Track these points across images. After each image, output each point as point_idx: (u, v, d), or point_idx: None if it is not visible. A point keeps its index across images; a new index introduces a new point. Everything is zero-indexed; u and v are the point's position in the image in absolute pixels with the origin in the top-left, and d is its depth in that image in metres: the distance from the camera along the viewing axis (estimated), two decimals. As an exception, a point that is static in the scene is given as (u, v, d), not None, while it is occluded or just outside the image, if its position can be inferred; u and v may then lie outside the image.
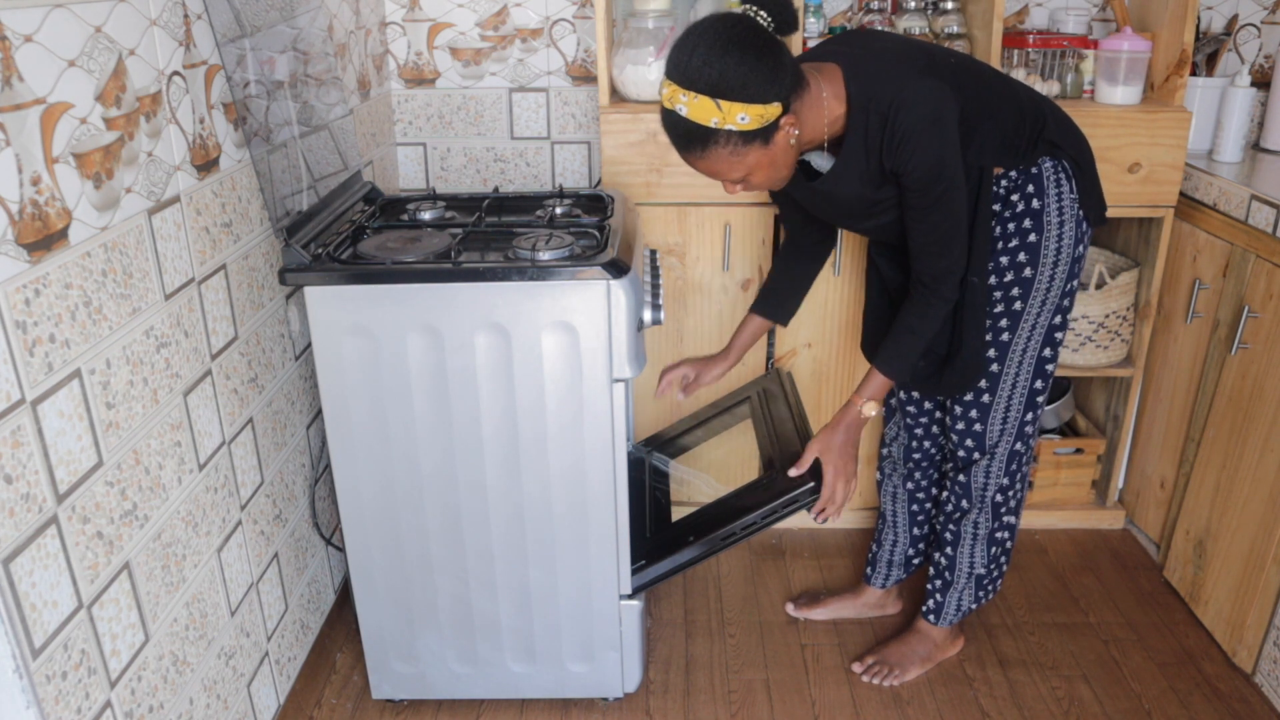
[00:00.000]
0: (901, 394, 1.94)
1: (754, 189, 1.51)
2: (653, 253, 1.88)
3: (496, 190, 1.98)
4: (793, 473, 1.68)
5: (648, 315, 1.64)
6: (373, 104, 2.35)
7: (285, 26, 1.72)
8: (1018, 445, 1.76)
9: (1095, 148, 1.68)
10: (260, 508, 1.70)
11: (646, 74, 2.10)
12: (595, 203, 1.91)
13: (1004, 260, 1.63)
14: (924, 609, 1.95)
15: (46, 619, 1.12)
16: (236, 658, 1.61)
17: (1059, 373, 2.23)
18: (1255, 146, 2.36)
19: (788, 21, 1.39)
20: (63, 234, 1.14)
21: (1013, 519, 1.85)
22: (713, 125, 1.36)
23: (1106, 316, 2.22)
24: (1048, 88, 2.20)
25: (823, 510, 1.66)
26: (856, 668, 1.96)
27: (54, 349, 1.13)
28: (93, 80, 1.19)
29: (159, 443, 1.36)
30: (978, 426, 1.75)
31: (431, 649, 1.80)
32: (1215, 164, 2.19)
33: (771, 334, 2.27)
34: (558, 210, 1.85)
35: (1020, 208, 1.60)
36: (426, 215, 1.83)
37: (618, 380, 1.58)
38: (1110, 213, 1.83)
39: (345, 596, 2.11)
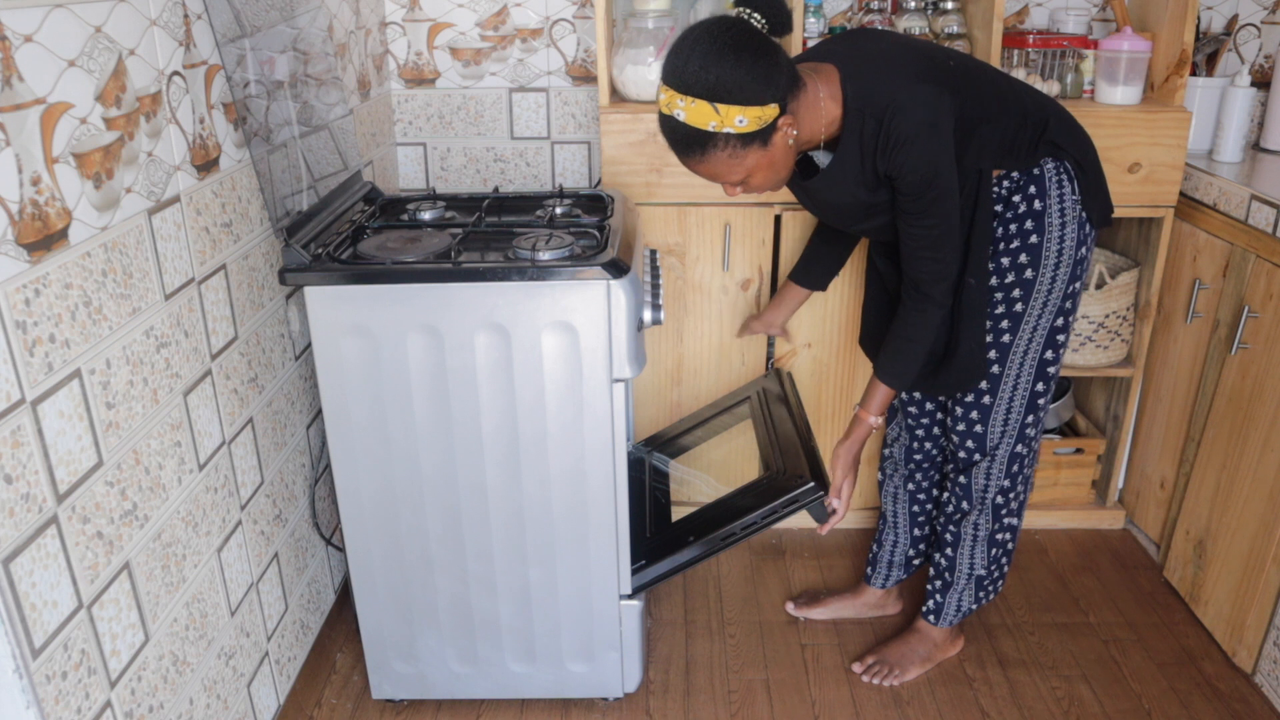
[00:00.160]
0: (904, 394, 1.94)
1: (754, 191, 1.51)
2: (653, 253, 1.88)
3: (496, 190, 1.98)
4: (832, 503, 1.70)
5: (648, 315, 1.64)
6: (373, 104, 2.35)
7: (285, 26, 1.72)
8: (1018, 447, 1.76)
9: (1095, 148, 1.68)
10: (260, 508, 1.70)
11: (646, 74, 2.10)
12: (595, 203, 1.91)
13: (1005, 261, 1.63)
14: (924, 609, 1.95)
15: (46, 619, 1.12)
16: (236, 658, 1.61)
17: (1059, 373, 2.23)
18: (1255, 146, 2.36)
19: (782, 23, 1.40)
20: (63, 234, 1.14)
21: (1014, 520, 1.85)
22: (711, 129, 1.36)
23: (1106, 316, 2.22)
24: (1048, 88, 2.20)
25: (829, 519, 1.72)
26: (856, 668, 1.96)
27: (54, 349, 1.13)
28: (93, 80, 1.19)
29: (159, 443, 1.37)
30: (978, 428, 1.75)
31: (431, 649, 1.80)
32: (1215, 164, 2.19)
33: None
34: (558, 210, 1.85)
35: (1022, 209, 1.60)
36: (426, 215, 1.83)
37: (618, 380, 1.58)
38: (1111, 213, 1.84)
39: (345, 596, 2.11)
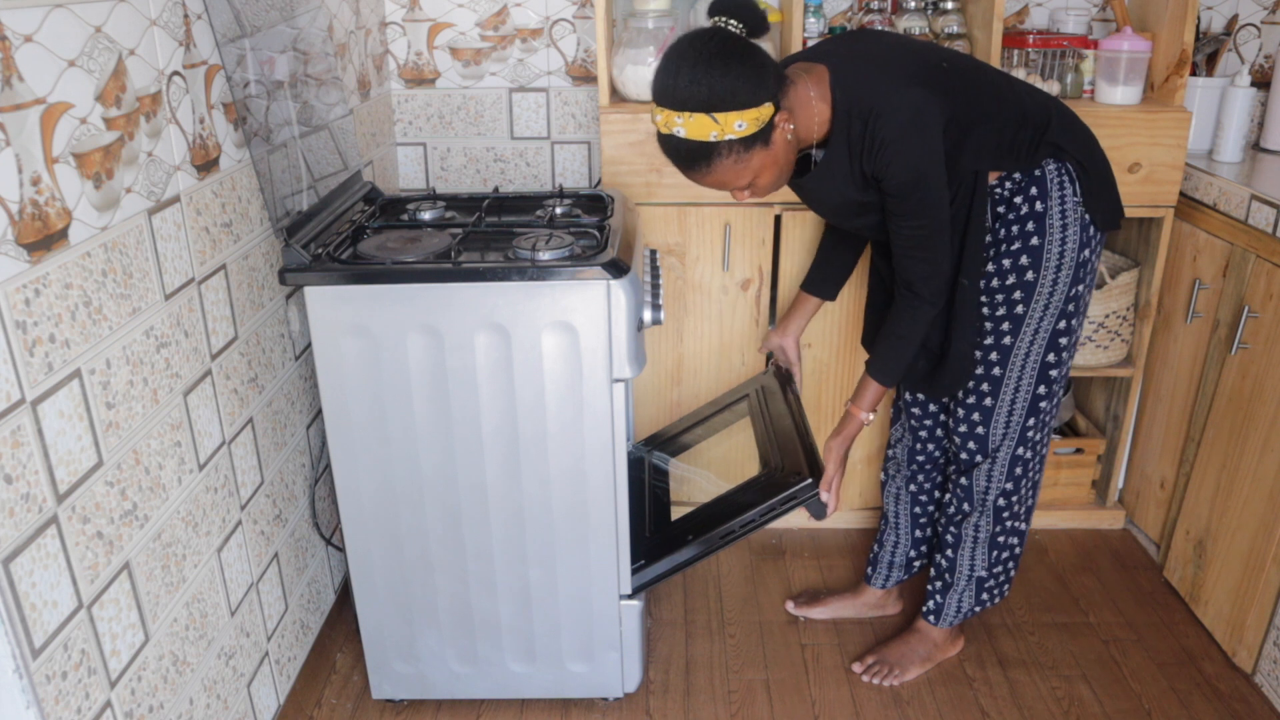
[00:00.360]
0: (907, 395, 1.94)
1: (760, 193, 1.52)
2: (653, 253, 1.88)
3: (496, 190, 1.98)
4: (825, 497, 1.69)
5: (648, 315, 1.64)
6: (373, 104, 2.35)
7: (285, 26, 1.72)
8: (1019, 450, 1.75)
9: (1102, 150, 1.66)
10: (260, 508, 1.70)
11: (646, 74, 2.10)
12: (595, 203, 1.91)
13: (1006, 263, 1.63)
14: (924, 609, 1.95)
15: (46, 619, 1.12)
16: (236, 658, 1.61)
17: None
18: (1255, 146, 2.36)
19: (759, 25, 1.42)
20: (63, 234, 1.14)
21: (1020, 525, 1.85)
22: (712, 139, 1.38)
23: (1106, 316, 2.22)
24: (1048, 88, 2.20)
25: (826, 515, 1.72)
26: (856, 668, 1.96)
27: (54, 349, 1.13)
28: (93, 80, 1.19)
29: (159, 443, 1.37)
30: (980, 429, 1.75)
31: (431, 649, 1.80)
32: (1215, 164, 2.19)
33: (773, 317, 2.26)
34: (558, 210, 1.85)
35: (1024, 210, 1.60)
36: (426, 215, 1.83)
37: (618, 380, 1.58)
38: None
39: (345, 596, 2.11)
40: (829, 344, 2.24)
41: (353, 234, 1.67)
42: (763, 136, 1.41)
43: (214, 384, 1.53)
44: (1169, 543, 2.22)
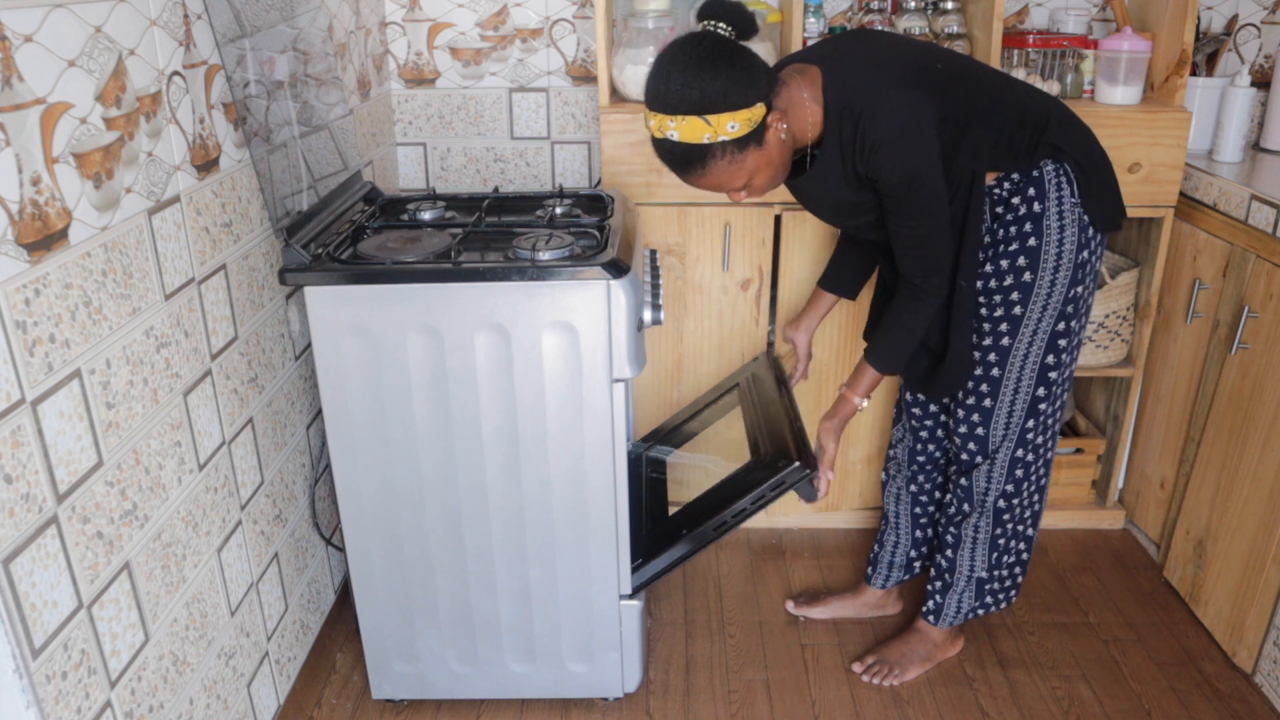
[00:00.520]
0: (908, 396, 1.94)
1: (757, 193, 1.52)
2: (653, 253, 1.88)
3: (496, 190, 1.98)
4: (818, 480, 1.69)
5: (648, 315, 1.65)
6: (373, 104, 2.35)
7: (285, 26, 1.72)
8: (1019, 452, 1.75)
9: (1103, 151, 1.66)
10: (260, 508, 1.70)
11: (646, 74, 2.09)
12: (595, 203, 1.91)
13: (1004, 264, 1.63)
14: (924, 609, 1.95)
15: (46, 619, 1.12)
16: (236, 658, 1.61)
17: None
18: (1255, 146, 2.36)
19: (748, 27, 1.43)
20: (63, 234, 1.14)
21: (1025, 529, 1.84)
22: (706, 141, 1.39)
23: (1106, 316, 2.22)
24: (1048, 88, 2.20)
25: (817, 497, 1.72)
26: (856, 668, 1.96)
27: (54, 349, 1.13)
28: (93, 80, 1.19)
29: (159, 443, 1.37)
30: (980, 430, 1.75)
31: (431, 649, 1.80)
32: (1215, 164, 2.19)
33: (772, 326, 2.27)
34: (558, 210, 1.85)
35: (1021, 211, 1.60)
36: (426, 215, 1.83)
37: (618, 380, 1.58)
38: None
39: (345, 596, 2.11)
40: (829, 344, 2.24)
41: (353, 234, 1.67)
42: (756, 137, 1.42)
43: (214, 384, 1.53)
44: (1169, 543, 2.22)
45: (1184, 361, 2.17)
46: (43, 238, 1.11)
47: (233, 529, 1.59)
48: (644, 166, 2.10)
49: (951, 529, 1.86)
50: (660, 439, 2.15)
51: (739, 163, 1.43)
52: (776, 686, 1.93)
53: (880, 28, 2.27)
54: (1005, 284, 1.64)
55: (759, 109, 1.40)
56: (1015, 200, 1.60)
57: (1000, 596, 1.91)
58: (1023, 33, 2.29)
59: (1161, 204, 2.14)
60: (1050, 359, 1.68)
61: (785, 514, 2.44)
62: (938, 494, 1.99)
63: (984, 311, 1.67)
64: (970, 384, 1.73)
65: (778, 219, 2.16)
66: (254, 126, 1.57)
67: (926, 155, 1.47)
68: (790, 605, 2.14)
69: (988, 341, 1.68)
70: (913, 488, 1.99)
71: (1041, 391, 1.71)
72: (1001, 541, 1.84)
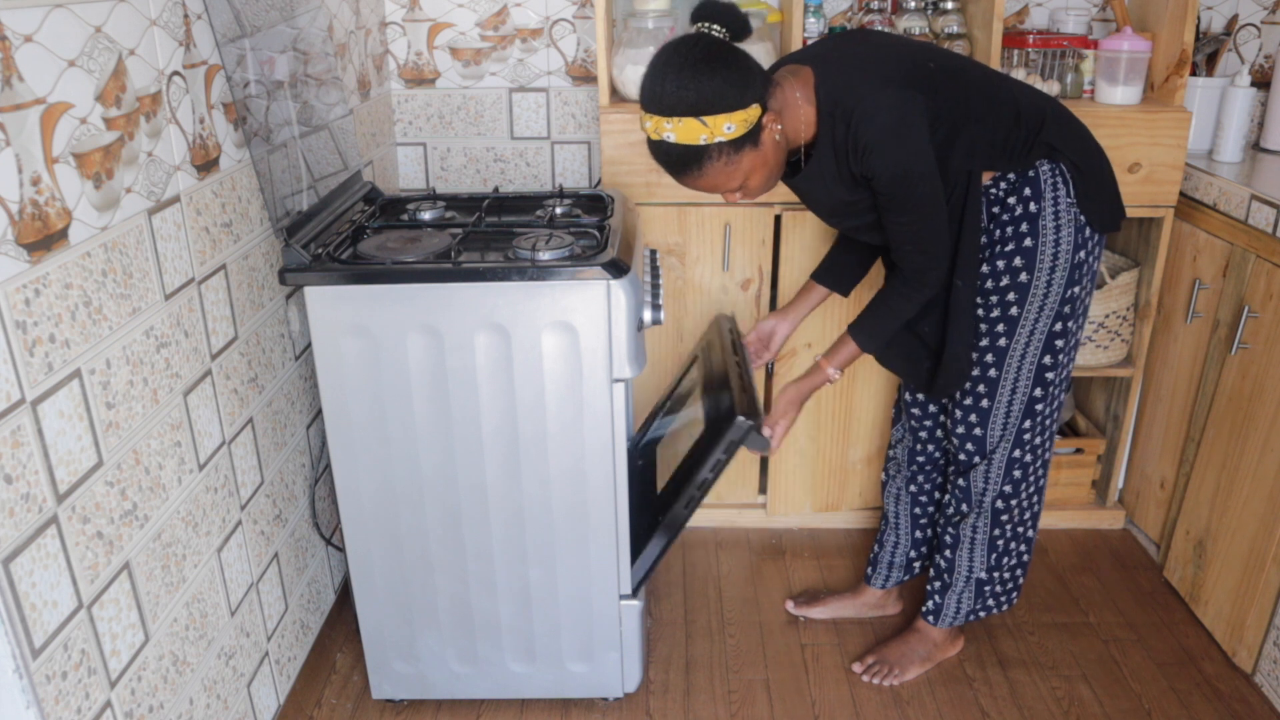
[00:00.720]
0: (907, 396, 1.94)
1: (752, 194, 1.52)
2: (653, 253, 1.88)
3: (496, 190, 1.98)
4: (766, 431, 1.68)
5: (648, 315, 1.65)
6: (373, 104, 2.35)
7: (285, 26, 1.72)
8: (1016, 452, 1.75)
9: (1102, 151, 1.66)
10: (260, 508, 1.70)
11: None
12: (595, 203, 1.91)
13: (1000, 264, 1.63)
14: (923, 609, 1.95)
15: (46, 619, 1.12)
16: (236, 658, 1.61)
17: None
18: (1255, 146, 2.36)
19: (741, 29, 1.43)
20: (63, 234, 1.14)
21: (1025, 530, 1.84)
22: (702, 142, 1.39)
23: (1106, 316, 2.22)
24: (1048, 88, 2.20)
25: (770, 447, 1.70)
26: (856, 668, 1.96)
27: (54, 349, 1.13)
28: (93, 80, 1.19)
29: (159, 443, 1.37)
30: (977, 430, 1.75)
31: (431, 649, 1.80)
32: (1215, 164, 2.19)
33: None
34: (558, 210, 1.85)
35: (1018, 211, 1.60)
36: (426, 215, 1.83)
37: (618, 380, 1.58)
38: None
39: (345, 596, 2.11)
40: (829, 343, 2.24)
41: (353, 234, 1.67)
42: (751, 138, 1.42)
43: (214, 384, 1.53)
44: (1169, 543, 2.22)
45: (1184, 361, 2.17)
46: (43, 238, 1.11)
47: (233, 529, 1.59)
48: (644, 166, 2.10)
49: (950, 529, 1.86)
50: (644, 432, 2.14)
51: (735, 164, 1.43)
52: (776, 686, 1.93)
53: (880, 28, 2.27)
54: (1002, 284, 1.64)
55: (754, 110, 1.40)
56: (1011, 200, 1.60)
57: (1001, 598, 1.91)
58: (1023, 33, 2.29)
59: (1161, 204, 2.14)
60: (1047, 359, 1.68)
61: (785, 514, 2.44)
62: (937, 494, 1.99)
63: (980, 312, 1.67)
64: (968, 384, 1.73)
65: (778, 219, 2.16)
66: (254, 126, 1.57)
67: (919, 152, 1.47)
68: (790, 605, 2.14)
69: (985, 342, 1.68)
70: (912, 488, 1.99)
71: (1038, 392, 1.71)
72: (1000, 543, 1.84)
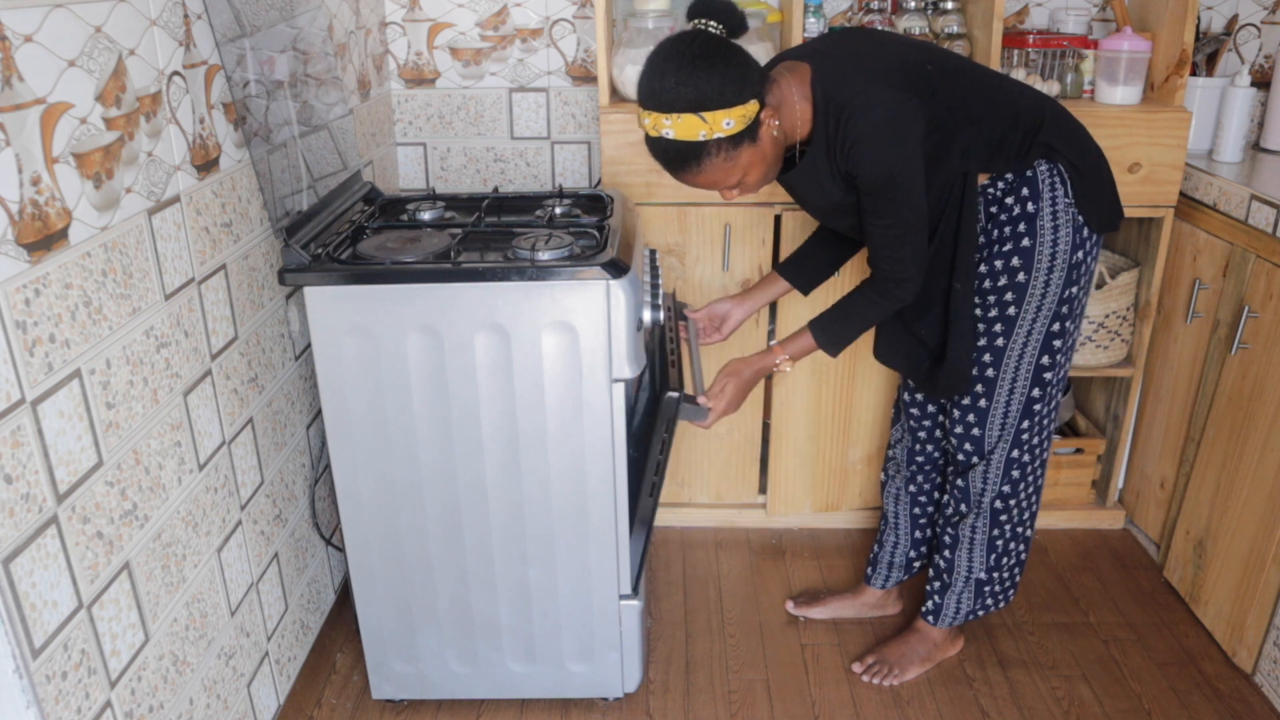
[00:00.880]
0: (906, 396, 1.94)
1: (750, 191, 1.52)
2: (653, 253, 1.88)
3: (496, 190, 1.98)
4: (701, 400, 1.69)
5: (647, 315, 1.64)
6: (373, 104, 2.35)
7: (285, 26, 1.72)
8: (1014, 452, 1.75)
9: (1101, 152, 1.65)
10: (260, 508, 1.70)
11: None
12: (595, 203, 1.91)
13: (998, 264, 1.63)
14: (923, 610, 1.95)
15: (46, 619, 1.12)
16: (236, 658, 1.61)
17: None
18: (1255, 146, 2.36)
19: (738, 25, 1.43)
20: (63, 234, 1.14)
21: (1023, 530, 1.84)
22: (701, 138, 1.39)
23: (1106, 316, 2.22)
24: (1048, 88, 2.20)
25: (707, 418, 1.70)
26: (856, 668, 1.96)
27: (54, 349, 1.13)
28: (93, 80, 1.19)
29: (159, 443, 1.37)
30: (975, 431, 1.75)
31: (431, 649, 1.80)
32: (1215, 164, 2.19)
33: (773, 320, 2.26)
34: (557, 210, 1.85)
35: (1015, 211, 1.60)
36: (426, 215, 1.83)
37: (617, 380, 1.58)
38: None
39: (345, 596, 2.11)
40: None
41: (352, 234, 1.67)
42: (750, 134, 1.42)
43: (214, 384, 1.53)
44: (1169, 543, 2.22)
45: (1184, 361, 2.17)
46: (43, 238, 1.11)
47: (233, 529, 1.59)
48: (644, 166, 2.10)
49: (949, 529, 1.86)
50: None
51: (733, 160, 1.43)
52: (776, 686, 1.93)
53: (880, 27, 2.27)
54: (999, 284, 1.64)
55: (753, 106, 1.40)
56: (1009, 200, 1.60)
57: (1000, 597, 1.91)
58: (1023, 33, 2.29)
59: (1161, 204, 2.14)
60: (1045, 360, 1.68)
61: (785, 514, 2.44)
62: (937, 494, 1.99)
63: (979, 312, 1.67)
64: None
65: (777, 219, 2.16)
66: (254, 126, 1.57)
67: (907, 158, 1.47)
68: (790, 606, 2.14)
69: (982, 342, 1.68)
70: (911, 488, 1.99)
71: (1036, 392, 1.71)
72: (999, 543, 1.84)
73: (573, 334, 1.55)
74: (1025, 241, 1.60)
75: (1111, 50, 2.12)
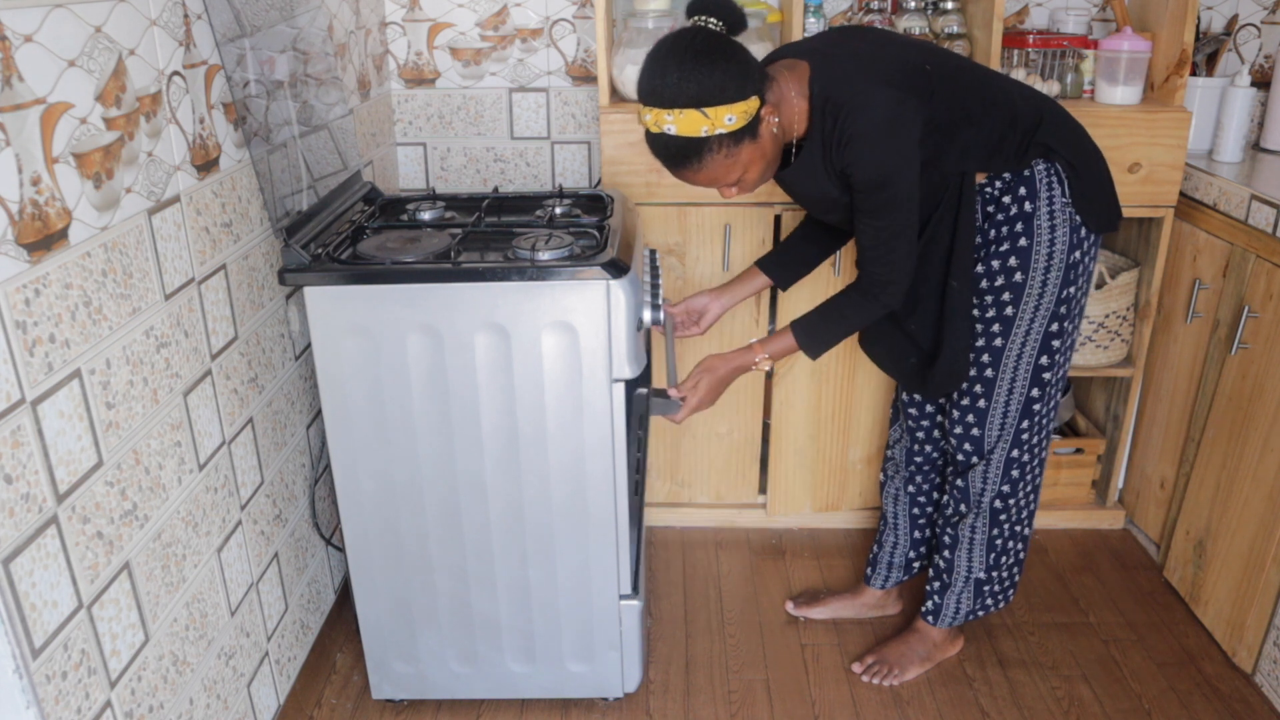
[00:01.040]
0: (904, 396, 1.94)
1: (748, 188, 1.52)
2: (653, 253, 1.88)
3: (496, 190, 1.98)
4: (671, 392, 1.70)
5: (647, 315, 1.65)
6: (373, 104, 2.35)
7: (285, 26, 1.72)
8: (1014, 452, 1.75)
9: (1099, 152, 1.65)
10: (260, 508, 1.70)
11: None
12: (595, 203, 1.91)
13: (995, 264, 1.63)
14: (923, 610, 1.95)
15: (46, 619, 1.12)
16: (236, 658, 1.61)
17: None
18: (1255, 146, 2.36)
19: (737, 22, 1.43)
20: (63, 234, 1.14)
21: (1021, 529, 1.84)
22: (703, 134, 1.39)
23: (1106, 316, 2.22)
24: (1048, 88, 2.20)
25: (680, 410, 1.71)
26: (856, 668, 1.96)
27: (54, 349, 1.13)
28: (93, 80, 1.19)
29: (159, 443, 1.37)
30: (975, 431, 1.75)
31: (431, 649, 1.80)
32: (1215, 164, 2.19)
33: (773, 320, 2.26)
34: (557, 210, 1.85)
35: (1013, 210, 1.60)
36: (426, 215, 1.83)
37: (617, 380, 1.58)
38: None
39: (345, 596, 2.11)
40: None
41: (352, 234, 1.67)
42: (750, 130, 1.42)
43: (214, 384, 1.53)
44: (1169, 543, 2.22)
45: (1184, 361, 2.17)
46: (43, 238, 1.11)
47: (233, 529, 1.59)
48: (644, 166, 2.10)
49: (949, 529, 1.86)
50: None
51: (734, 156, 1.43)
52: (776, 686, 1.93)
53: (880, 27, 2.27)
54: (997, 284, 1.64)
55: (754, 102, 1.40)
56: (1006, 200, 1.60)
57: (999, 596, 1.91)
58: (1023, 33, 2.29)
59: (1161, 204, 2.14)
60: (1044, 360, 1.68)
61: (785, 514, 2.44)
62: (936, 494, 1.99)
63: (976, 312, 1.67)
64: (965, 384, 1.73)
65: (777, 219, 2.16)
66: (254, 126, 1.57)
67: (902, 158, 1.47)
68: (790, 607, 2.14)
69: (981, 342, 1.68)
70: (910, 488, 1.99)
71: (1035, 392, 1.71)
72: (999, 542, 1.84)
73: (573, 334, 1.55)
74: (1022, 241, 1.60)
75: (1111, 50, 2.12)
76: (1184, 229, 2.16)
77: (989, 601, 1.90)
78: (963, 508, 1.83)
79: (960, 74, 1.57)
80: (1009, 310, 1.64)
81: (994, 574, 1.87)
